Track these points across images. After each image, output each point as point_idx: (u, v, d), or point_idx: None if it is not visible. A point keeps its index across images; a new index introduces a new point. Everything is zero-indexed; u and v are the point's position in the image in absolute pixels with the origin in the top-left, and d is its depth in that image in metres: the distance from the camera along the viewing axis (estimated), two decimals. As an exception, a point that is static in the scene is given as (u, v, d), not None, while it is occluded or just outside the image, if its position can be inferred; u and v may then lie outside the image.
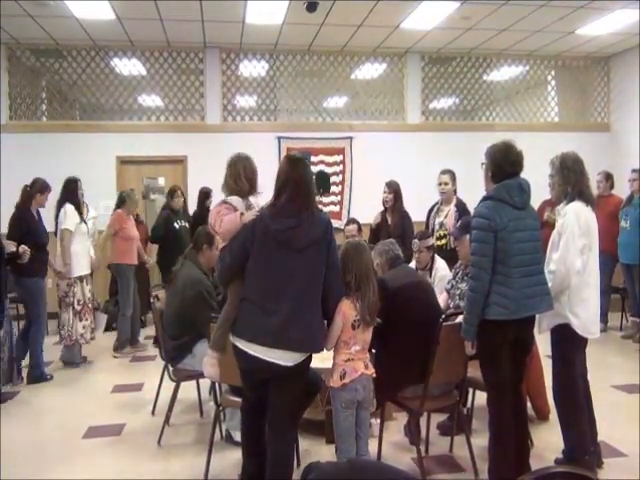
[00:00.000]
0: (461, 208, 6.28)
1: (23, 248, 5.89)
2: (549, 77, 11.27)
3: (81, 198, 7.06)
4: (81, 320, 6.83)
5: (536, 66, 11.04)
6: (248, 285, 3.22)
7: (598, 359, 5.46)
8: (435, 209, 6.56)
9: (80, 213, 6.91)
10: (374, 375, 3.43)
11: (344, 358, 3.37)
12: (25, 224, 6.27)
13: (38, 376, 6.30)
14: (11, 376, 6.08)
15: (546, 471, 1.64)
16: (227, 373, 3.56)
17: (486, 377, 3.73)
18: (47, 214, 6.80)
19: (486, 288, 3.53)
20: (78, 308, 6.82)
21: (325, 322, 3.34)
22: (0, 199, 9.08)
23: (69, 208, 6.76)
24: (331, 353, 3.45)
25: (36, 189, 6.44)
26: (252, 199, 3.63)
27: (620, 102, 10.71)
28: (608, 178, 8.06)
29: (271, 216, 3.18)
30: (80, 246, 6.88)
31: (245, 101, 10.61)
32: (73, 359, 6.93)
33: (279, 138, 10.10)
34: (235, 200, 3.50)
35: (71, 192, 6.86)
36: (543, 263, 3.82)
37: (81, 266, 6.87)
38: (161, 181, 10.49)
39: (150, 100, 10.44)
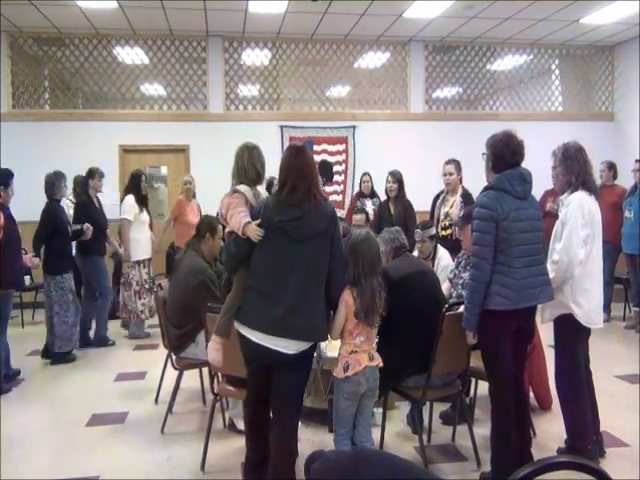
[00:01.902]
0: (467, 198, 6.26)
1: (87, 225, 6.79)
2: (553, 66, 11.22)
3: (144, 190, 7.67)
4: (140, 298, 7.56)
5: (540, 55, 10.99)
6: (253, 274, 3.22)
7: (601, 349, 5.48)
8: (441, 198, 6.55)
9: (142, 204, 7.58)
10: (380, 365, 3.40)
11: (348, 350, 3.35)
12: (86, 210, 7.19)
13: (102, 339, 7.30)
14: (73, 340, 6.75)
15: (548, 461, 1.64)
16: (227, 363, 3.57)
17: (488, 367, 3.73)
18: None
19: (487, 278, 3.52)
20: (137, 288, 7.55)
21: (331, 312, 3.33)
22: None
23: (128, 199, 7.51)
24: (339, 342, 3.45)
25: (87, 176, 7.36)
26: (260, 188, 3.63)
27: (624, 91, 10.67)
28: (611, 168, 8.04)
29: (275, 207, 3.18)
30: (139, 233, 7.57)
31: (248, 90, 10.58)
32: (139, 333, 7.67)
33: (282, 127, 10.10)
34: (244, 189, 3.49)
35: (134, 185, 7.60)
36: (544, 253, 3.81)
37: (140, 251, 7.57)
38: (164, 170, 10.49)
39: (153, 89, 10.43)
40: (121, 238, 7.57)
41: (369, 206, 8.00)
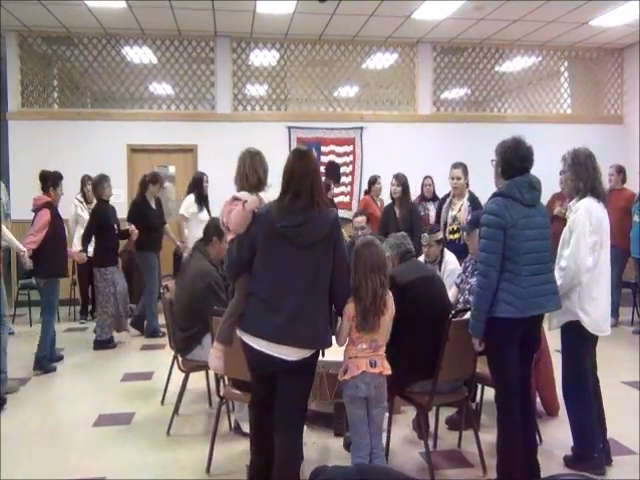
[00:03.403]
0: (474, 202, 6.25)
1: (131, 228, 7.38)
2: (562, 68, 11.16)
3: (205, 190, 8.12)
4: None
5: (549, 57, 10.94)
6: (255, 280, 3.21)
7: (608, 354, 5.44)
8: (447, 202, 6.52)
9: (201, 203, 8.03)
10: (385, 373, 3.38)
11: (350, 354, 3.37)
12: (139, 209, 7.73)
13: (140, 325, 7.84)
14: (120, 326, 7.35)
15: (557, 478, 1.64)
16: (232, 367, 3.56)
17: (494, 373, 3.72)
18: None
19: (494, 285, 3.51)
20: None
21: (337, 318, 3.32)
22: (11, 185, 9.17)
23: (189, 198, 8.08)
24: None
25: (148, 180, 7.84)
26: (262, 194, 3.62)
27: (634, 94, 10.59)
28: (620, 171, 8.00)
29: (277, 212, 3.15)
30: (197, 231, 7.66)
31: (255, 90, 10.58)
32: None
33: (289, 128, 10.08)
34: (245, 196, 3.49)
35: (195, 185, 8.12)
36: (552, 261, 3.80)
37: None
38: (171, 169, 10.49)
39: (161, 88, 10.43)
40: (179, 232, 8.24)
41: (432, 210, 7.70)
